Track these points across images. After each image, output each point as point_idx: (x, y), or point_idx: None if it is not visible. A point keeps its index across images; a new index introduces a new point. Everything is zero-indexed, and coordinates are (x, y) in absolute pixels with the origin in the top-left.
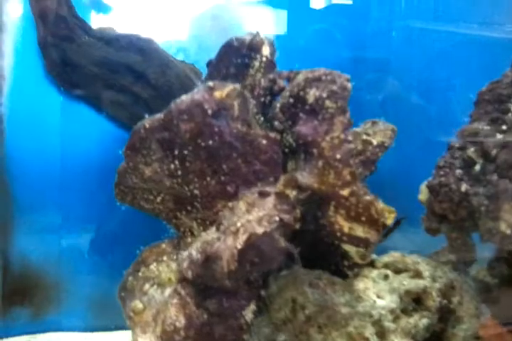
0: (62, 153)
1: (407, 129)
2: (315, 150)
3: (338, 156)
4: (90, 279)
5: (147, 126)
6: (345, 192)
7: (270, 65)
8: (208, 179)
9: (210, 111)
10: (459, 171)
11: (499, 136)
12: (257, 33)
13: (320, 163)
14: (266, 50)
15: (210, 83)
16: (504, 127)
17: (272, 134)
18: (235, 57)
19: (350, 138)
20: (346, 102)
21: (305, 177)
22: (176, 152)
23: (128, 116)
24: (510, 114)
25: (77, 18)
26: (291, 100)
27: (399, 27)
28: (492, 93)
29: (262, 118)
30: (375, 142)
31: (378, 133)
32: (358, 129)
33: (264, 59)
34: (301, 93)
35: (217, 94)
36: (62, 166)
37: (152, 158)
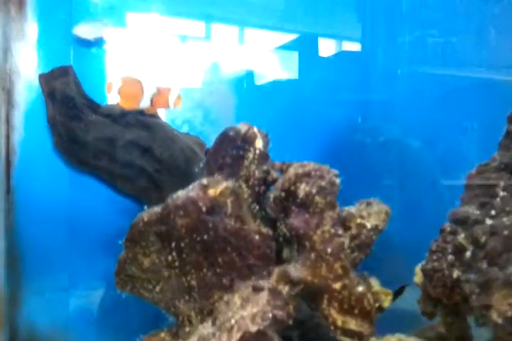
0: (69, 221)
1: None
2: (307, 243)
3: (329, 250)
4: None
5: (145, 219)
6: (337, 286)
7: (263, 156)
8: (205, 270)
9: (204, 208)
10: (450, 257)
11: (488, 222)
12: (251, 126)
13: (312, 256)
14: (259, 143)
15: (205, 181)
16: (493, 212)
17: (265, 230)
18: (231, 148)
19: (340, 232)
20: (335, 197)
21: (298, 270)
22: (173, 244)
23: (134, 188)
24: (498, 199)
25: (85, 97)
26: (283, 194)
27: (406, 72)
28: (481, 176)
29: (258, 207)
30: (369, 225)
31: (372, 215)
32: (352, 210)
33: (257, 151)
34: (292, 188)
35: (211, 191)
36: (69, 233)
37: (151, 250)
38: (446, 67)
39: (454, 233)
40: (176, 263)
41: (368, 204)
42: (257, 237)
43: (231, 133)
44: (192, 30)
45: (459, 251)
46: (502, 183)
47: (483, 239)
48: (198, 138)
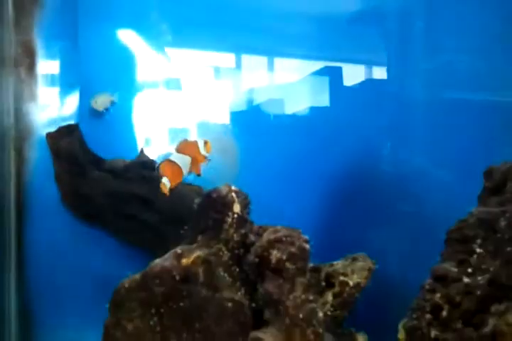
0: (76, 270)
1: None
2: (281, 308)
3: (301, 316)
4: None
5: (127, 286)
6: None
7: (241, 220)
8: (184, 335)
9: (178, 277)
10: (428, 316)
11: (465, 280)
12: (230, 189)
13: (286, 321)
14: (237, 208)
15: (179, 250)
16: (470, 270)
17: (238, 297)
18: (212, 211)
19: (311, 297)
20: (306, 263)
21: (273, 335)
22: (153, 310)
23: (138, 240)
24: (475, 256)
25: (89, 153)
26: (257, 259)
27: (432, 98)
28: (459, 232)
29: (238, 269)
30: (351, 283)
31: (356, 272)
32: (338, 266)
33: (235, 216)
34: (265, 253)
35: (184, 261)
36: (78, 281)
37: (133, 315)
38: (474, 92)
39: (432, 291)
40: (158, 328)
41: (354, 259)
42: (230, 305)
43: (214, 196)
44: (222, 62)
45: (436, 310)
46: (479, 240)
47: (458, 298)
48: (200, 187)
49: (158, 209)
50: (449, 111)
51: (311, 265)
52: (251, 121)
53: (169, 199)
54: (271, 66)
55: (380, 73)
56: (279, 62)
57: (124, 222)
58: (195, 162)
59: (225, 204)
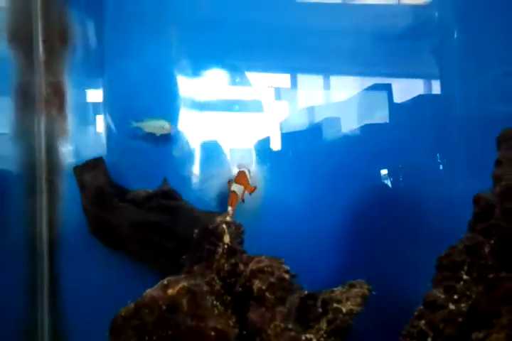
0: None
1: None
2: (264, 336)
3: None
4: None
5: (123, 314)
6: None
7: (231, 251)
8: None
9: (164, 307)
10: None
11: (451, 307)
12: (222, 221)
13: None
14: (227, 239)
15: (165, 280)
16: (456, 296)
17: (221, 326)
18: (207, 242)
19: (290, 326)
20: (285, 292)
21: None
22: (147, 338)
23: (158, 265)
24: (462, 283)
25: (113, 185)
26: (240, 289)
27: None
28: (448, 259)
29: (230, 298)
30: (344, 310)
31: (351, 299)
32: (334, 293)
33: (225, 246)
34: (248, 283)
35: (170, 291)
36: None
37: None
38: None
39: (420, 317)
40: None
41: (351, 286)
42: (212, 333)
43: (210, 227)
44: (279, 82)
45: (421, 336)
46: (466, 267)
47: (441, 325)
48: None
49: (179, 236)
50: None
51: (306, 292)
52: (305, 141)
53: (189, 227)
54: (326, 84)
55: (431, 88)
56: (334, 80)
57: (146, 249)
58: (245, 190)
59: (216, 236)
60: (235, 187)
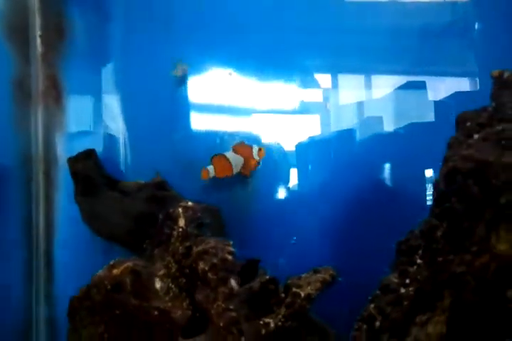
0: None
1: None
2: (208, 316)
3: (222, 324)
4: None
5: (78, 295)
6: None
7: (186, 234)
8: None
9: (109, 287)
10: (365, 326)
11: (402, 291)
12: (180, 205)
13: (213, 329)
14: (181, 222)
15: (112, 261)
16: (407, 281)
17: (164, 305)
18: (166, 226)
19: (231, 306)
20: (228, 273)
21: None
22: (98, 318)
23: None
24: (415, 267)
25: (104, 176)
26: (188, 271)
27: None
28: (406, 244)
29: (185, 280)
30: (302, 294)
31: (311, 284)
32: (296, 278)
33: (180, 229)
34: (193, 265)
35: (114, 271)
36: None
37: (85, 323)
38: None
39: (371, 301)
40: (106, 335)
41: (316, 271)
42: (156, 313)
43: (170, 211)
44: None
45: (371, 320)
46: (420, 251)
47: (388, 309)
48: (211, 205)
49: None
50: None
51: (267, 277)
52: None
53: None
54: (368, 83)
55: (470, 85)
56: (375, 79)
57: (134, 239)
58: (246, 164)
59: (172, 219)
60: (230, 155)
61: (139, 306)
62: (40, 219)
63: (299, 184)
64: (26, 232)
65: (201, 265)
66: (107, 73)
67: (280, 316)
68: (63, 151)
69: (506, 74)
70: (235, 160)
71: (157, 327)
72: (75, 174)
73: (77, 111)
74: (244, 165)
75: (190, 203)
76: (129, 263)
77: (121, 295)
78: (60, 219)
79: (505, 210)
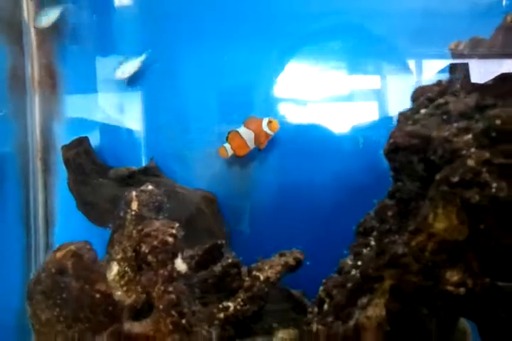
0: None
1: None
2: (150, 299)
3: (161, 307)
4: None
5: (33, 279)
6: None
7: (139, 217)
8: (80, 325)
9: (53, 270)
10: (315, 309)
11: (353, 273)
12: (135, 189)
13: (155, 312)
14: (134, 205)
15: (59, 245)
16: (359, 263)
17: (104, 288)
18: (121, 210)
19: (170, 288)
20: (168, 255)
21: (141, 325)
22: (51, 302)
23: None
24: (368, 248)
25: (95, 163)
26: (133, 253)
27: None
28: (363, 225)
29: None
30: (261, 278)
31: (273, 266)
32: (261, 262)
33: (133, 213)
34: (137, 247)
35: (58, 254)
36: None
37: (42, 306)
38: None
39: (324, 284)
40: (61, 318)
41: (282, 255)
42: (97, 296)
43: (125, 194)
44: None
45: (320, 303)
46: (374, 232)
47: (334, 291)
48: (209, 192)
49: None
50: None
51: (230, 260)
52: None
53: (169, 203)
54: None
55: None
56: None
57: None
58: (257, 137)
59: (126, 203)
60: (242, 131)
61: (82, 289)
62: (39, 206)
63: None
64: (24, 220)
65: (143, 248)
66: (103, 61)
67: (239, 300)
68: (60, 139)
69: (461, 46)
70: (247, 135)
71: (100, 310)
72: (67, 162)
73: (73, 100)
74: (255, 139)
75: (150, 187)
76: (72, 247)
77: (64, 278)
78: (59, 207)
79: (441, 187)
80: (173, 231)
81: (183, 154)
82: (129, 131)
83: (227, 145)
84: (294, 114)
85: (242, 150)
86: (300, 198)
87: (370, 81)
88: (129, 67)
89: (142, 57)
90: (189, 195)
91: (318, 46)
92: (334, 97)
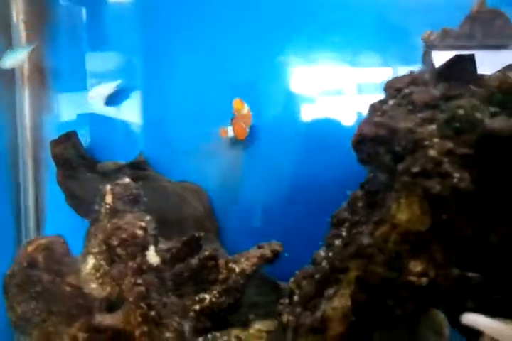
0: None
1: None
2: (121, 292)
3: (131, 299)
4: None
5: (7, 272)
6: (137, 333)
7: (113, 210)
8: (53, 318)
9: (25, 264)
10: (286, 300)
11: (323, 264)
12: (113, 183)
13: (126, 305)
14: (108, 199)
15: (29, 239)
16: (330, 254)
17: (75, 281)
18: (96, 204)
19: (139, 281)
20: (138, 247)
21: (112, 317)
22: (27, 295)
23: None
24: (340, 240)
25: (83, 157)
26: (105, 247)
27: None
28: (336, 217)
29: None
30: (237, 270)
31: (249, 259)
32: (238, 255)
33: (107, 206)
34: (109, 241)
35: (29, 248)
36: None
37: (18, 299)
38: None
39: (295, 275)
40: (37, 312)
41: (260, 247)
42: (68, 289)
43: (100, 188)
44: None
45: (291, 294)
46: (347, 223)
47: (303, 282)
48: (195, 184)
49: (146, 206)
50: None
51: (206, 253)
52: None
53: (156, 196)
54: None
55: None
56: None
57: None
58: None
59: (101, 196)
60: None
61: (53, 282)
62: (30, 200)
63: None
64: (15, 215)
65: (113, 241)
66: (91, 56)
67: (215, 292)
68: (50, 134)
69: (433, 36)
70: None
71: (71, 303)
72: (56, 156)
73: (63, 94)
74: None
75: (126, 180)
76: (43, 240)
77: (36, 271)
78: (49, 202)
79: (403, 177)
80: (143, 224)
81: (175, 148)
82: (120, 125)
83: (229, 128)
84: (292, 109)
85: (243, 134)
86: (295, 193)
87: (373, 74)
88: (103, 90)
89: (117, 82)
90: (172, 187)
91: (317, 41)
92: (331, 91)
